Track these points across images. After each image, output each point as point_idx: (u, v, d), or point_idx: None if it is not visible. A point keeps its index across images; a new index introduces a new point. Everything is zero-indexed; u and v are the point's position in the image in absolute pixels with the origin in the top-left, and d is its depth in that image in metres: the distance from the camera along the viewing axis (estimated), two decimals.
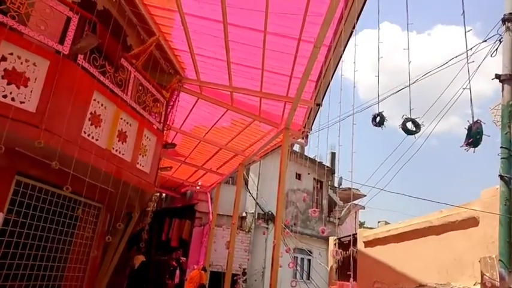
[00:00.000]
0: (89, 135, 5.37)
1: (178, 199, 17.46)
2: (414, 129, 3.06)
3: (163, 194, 18.10)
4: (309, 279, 16.65)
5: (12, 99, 4.44)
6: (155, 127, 7.26)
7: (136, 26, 6.91)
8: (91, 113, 5.40)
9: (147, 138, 6.85)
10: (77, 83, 5.07)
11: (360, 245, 8.20)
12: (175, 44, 7.46)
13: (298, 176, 18.72)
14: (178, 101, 8.66)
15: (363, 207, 21.85)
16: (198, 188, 15.65)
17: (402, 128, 3.06)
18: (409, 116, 3.01)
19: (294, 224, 16.39)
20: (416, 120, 3.02)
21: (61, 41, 5.04)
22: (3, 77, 4.40)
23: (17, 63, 4.55)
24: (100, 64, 5.55)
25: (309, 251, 17.12)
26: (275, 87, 7.80)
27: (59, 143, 4.72)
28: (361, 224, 30.28)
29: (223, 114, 9.48)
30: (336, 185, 22.50)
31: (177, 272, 12.84)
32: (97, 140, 5.53)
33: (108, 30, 5.70)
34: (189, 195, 16.76)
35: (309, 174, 18.93)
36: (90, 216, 6.59)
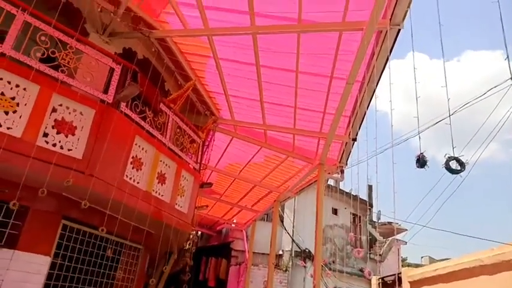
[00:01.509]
0: (130, 178, 5.57)
1: (214, 237, 17.41)
2: (459, 168, 2.96)
3: (199, 232, 18.13)
4: None
5: (61, 147, 4.72)
6: (192, 167, 7.43)
7: (174, 72, 7.27)
8: (133, 157, 5.62)
9: (185, 178, 7.00)
10: (120, 129, 5.35)
11: (405, 285, 7.78)
12: (211, 87, 7.75)
13: (335, 211, 18.28)
14: (214, 140, 8.87)
15: (405, 243, 20.84)
16: (233, 225, 15.59)
17: (446, 168, 2.97)
18: (452, 154, 2.94)
19: (333, 262, 15.82)
20: (461, 158, 2.93)
21: (105, 91, 5.38)
22: (53, 127, 4.72)
23: (66, 113, 4.87)
24: (141, 110, 5.84)
25: None
26: (308, 123, 7.85)
27: (102, 186, 4.93)
28: (403, 260, 28.77)
29: (257, 152, 9.58)
30: (374, 219, 21.75)
31: None
32: (138, 182, 5.72)
33: (147, 77, 6.05)
34: (225, 233, 16.69)
35: (345, 208, 18.44)
36: (130, 258, 6.69)
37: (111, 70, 5.54)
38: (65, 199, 5.15)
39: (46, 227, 5.08)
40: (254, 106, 7.68)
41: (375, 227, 20.60)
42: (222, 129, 8.97)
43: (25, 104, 4.44)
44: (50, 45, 4.75)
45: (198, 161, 7.81)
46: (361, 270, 14.68)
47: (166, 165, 6.41)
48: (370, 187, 22.28)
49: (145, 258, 6.99)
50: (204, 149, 8.38)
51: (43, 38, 4.66)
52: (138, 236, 6.05)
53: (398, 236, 19.88)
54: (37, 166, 4.32)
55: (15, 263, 4.61)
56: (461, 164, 2.98)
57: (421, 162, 3.17)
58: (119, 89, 5.43)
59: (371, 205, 20.90)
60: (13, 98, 4.36)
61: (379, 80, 5.97)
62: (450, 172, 3.00)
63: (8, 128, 4.26)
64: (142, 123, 5.87)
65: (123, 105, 5.50)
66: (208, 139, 8.70)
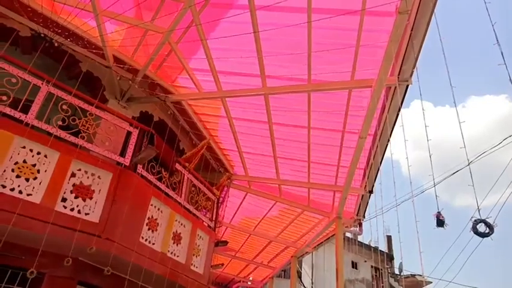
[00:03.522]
0: (146, 239, 5.52)
1: None
2: (487, 231, 2.85)
3: None
4: None
5: (79, 211, 4.75)
6: (207, 225, 7.36)
7: (189, 132, 7.46)
8: (148, 218, 5.61)
9: (200, 237, 6.90)
10: (137, 191, 5.40)
11: None
12: (224, 145, 7.90)
13: (354, 265, 17.58)
14: (228, 196, 8.85)
15: None
16: (249, 283, 15.04)
17: (474, 232, 2.87)
18: (479, 218, 2.84)
19: None
20: (488, 221, 2.83)
21: (122, 154, 5.51)
22: (71, 192, 4.79)
23: (84, 178, 4.96)
24: (157, 171, 5.92)
25: None
26: (323, 177, 7.83)
27: (118, 250, 4.88)
28: None
29: (272, 207, 9.49)
30: (396, 272, 20.78)
31: None
32: (153, 244, 5.66)
33: (164, 139, 6.20)
34: None
35: (365, 261, 17.74)
36: None
37: (128, 134, 5.71)
38: (80, 263, 5.09)
39: None
40: (267, 162, 7.74)
41: (397, 281, 19.62)
42: (236, 185, 8.99)
43: (45, 171, 4.55)
44: (71, 112, 4.97)
45: (213, 218, 7.75)
46: None
47: (181, 224, 6.37)
48: (389, 238, 21.57)
49: None
50: (219, 206, 8.35)
51: (64, 106, 4.89)
52: None
53: None
54: (54, 231, 4.35)
55: None
56: (490, 226, 2.88)
57: (439, 222, 3.08)
58: (136, 151, 5.55)
59: (392, 257, 20.10)
60: (34, 165, 4.49)
61: (391, 133, 6.02)
62: (479, 236, 2.89)
63: (28, 195, 4.34)
64: (158, 184, 5.92)
65: (139, 167, 5.60)
66: (223, 195, 8.69)
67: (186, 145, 7.63)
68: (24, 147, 4.48)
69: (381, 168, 7.05)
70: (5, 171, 4.27)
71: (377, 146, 6.11)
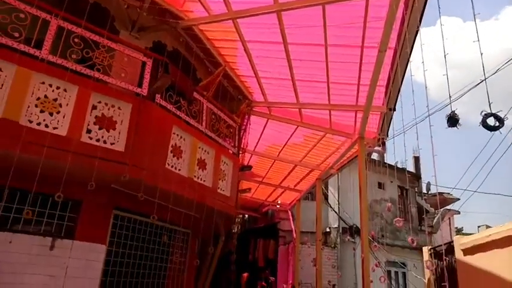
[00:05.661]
0: (172, 166, 5.78)
1: (260, 219, 17.69)
2: (497, 124, 2.77)
3: (246, 216, 18.50)
4: None
5: (104, 142, 4.98)
6: (231, 152, 7.56)
7: (204, 59, 7.37)
8: (172, 146, 5.82)
9: (224, 163, 7.15)
10: (158, 120, 5.55)
11: (458, 254, 7.51)
12: (241, 71, 7.78)
13: (381, 185, 17.88)
14: (250, 124, 8.93)
15: (458, 212, 20.05)
16: (278, 206, 15.73)
17: (483, 126, 2.80)
18: (489, 111, 2.74)
19: (382, 236, 15.58)
20: (498, 114, 2.74)
21: (139, 84, 5.57)
22: (95, 123, 4.98)
23: (105, 110, 5.11)
24: (175, 100, 5.99)
25: (402, 264, 16.08)
26: (343, 97, 7.69)
27: (147, 176, 5.16)
28: (459, 231, 27.71)
29: (294, 131, 9.53)
30: (424, 190, 21.05)
31: None
32: (179, 170, 5.93)
33: (178, 68, 6.18)
34: (271, 215, 16.90)
35: (391, 182, 17.97)
36: (180, 242, 7.01)
37: (143, 64, 5.72)
38: (114, 190, 5.46)
39: (99, 218, 5.44)
40: (286, 85, 7.63)
41: (424, 199, 19.93)
42: (256, 112, 9.00)
43: (67, 104, 4.71)
44: (84, 46, 4.98)
45: (236, 145, 7.93)
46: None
47: (205, 151, 6.58)
48: (416, 158, 21.54)
49: (194, 242, 7.29)
50: (241, 133, 8.48)
51: (76, 40, 4.89)
52: (186, 221, 6.29)
53: (450, 206, 19.17)
54: (84, 161, 4.61)
55: (75, 251, 5.00)
56: (500, 119, 2.78)
57: (452, 120, 2.99)
58: (152, 81, 5.60)
59: (419, 177, 20.24)
60: (55, 100, 4.65)
61: (412, 45, 5.70)
62: (488, 129, 2.81)
63: (54, 128, 4.55)
64: (178, 112, 6.03)
65: (157, 96, 5.68)
66: (244, 123, 8.78)
67: (202, 74, 7.59)
68: (43, 83, 4.60)
69: (403, 84, 6.82)
70: (29, 107, 4.44)
71: (398, 59, 5.85)
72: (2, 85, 4.29)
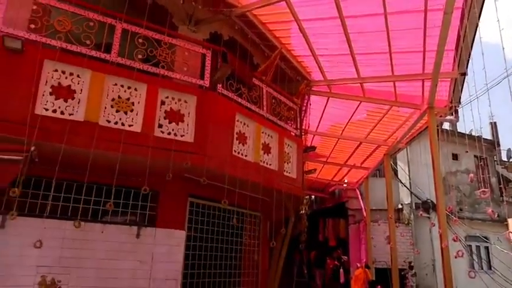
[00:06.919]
0: (238, 152, 5.95)
1: (328, 199, 17.58)
2: None
3: (313, 196, 18.48)
4: (490, 268, 14.60)
5: (175, 134, 5.25)
6: (293, 134, 7.57)
7: (260, 44, 7.38)
8: (237, 133, 5.97)
9: (288, 145, 7.18)
10: (221, 109, 5.73)
11: None
12: (297, 51, 7.69)
13: (455, 157, 16.76)
14: (310, 104, 8.83)
15: None
16: (345, 185, 15.51)
17: None
18: None
19: (460, 210, 14.68)
20: None
21: (201, 76, 5.77)
22: (165, 118, 5.26)
23: (173, 104, 5.38)
24: (236, 88, 6.11)
25: (485, 238, 15.06)
26: (408, 67, 7.29)
27: (216, 164, 5.37)
28: None
29: (357, 108, 9.26)
30: (504, 158, 19.39)
31: (341, 271, 12.88)
32: (246, 156, 6.07)
33: (236, 56, 6.27)
34: (338, 194, 16.71)
35: (467, 152, 16.75)
36: (252, 225, 7.23)
37: (203, 56, 5.89)
38: (188, 180, 5.75)
39: (177, 206, 5.79)
40: (345, 61, 7.40)
41: (506, 167, 18.35)
42: (316, 92, 8.87)
43: (138, 102, 5.03)
44: (147, 45, 5.25)
45: (298, 127, 7.91)
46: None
47: (268, 135, 6.65)
48: (494, 124, 19.85)
49: (266, 224, 7.47)
50: (302, 115, 8.42)
51: (140, 40, 5.16)
52: (256, 205, 6.47)
53: None
54: (159, 154, 4.91)
55: (159, 238, 5.39)
56: None
57: None
58: (212, 72, 5.76)
59: (498, 144, 18.64)
60: (128, 99, 4.98)
61: (483, 3, 5.21)
62: None
63: (130, 126, 4.89)
64: (239, 100, 6.15)
65: (219, 86, 5.82)
66: (304, 104, 8.70)
67: (259, 59, 7.61)
68: (115, 84, 4.94)
69: (474, 45, 6.27)
70: (105, 108, 4.81)
71: (467, 19, 5.39)
72: (82, 90, 4.68)
